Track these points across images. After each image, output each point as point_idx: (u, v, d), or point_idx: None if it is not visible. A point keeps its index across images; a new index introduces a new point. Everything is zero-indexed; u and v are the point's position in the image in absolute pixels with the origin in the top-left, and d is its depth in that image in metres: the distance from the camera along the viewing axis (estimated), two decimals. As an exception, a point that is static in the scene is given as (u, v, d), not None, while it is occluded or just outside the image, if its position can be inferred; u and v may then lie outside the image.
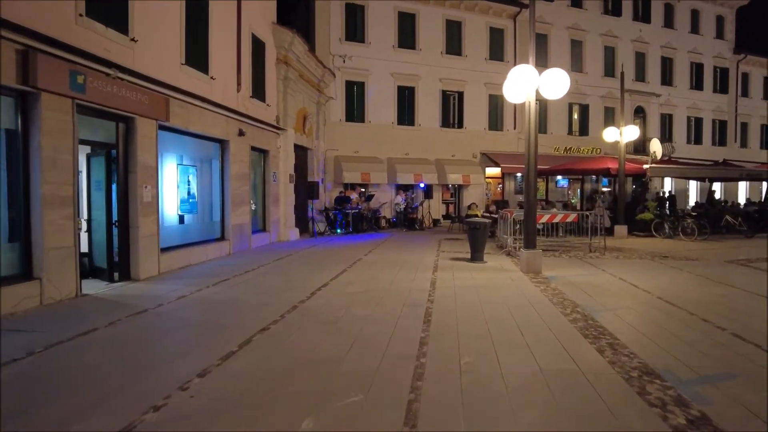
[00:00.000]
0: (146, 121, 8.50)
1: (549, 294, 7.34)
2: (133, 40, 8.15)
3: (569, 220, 12.74)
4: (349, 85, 20.63)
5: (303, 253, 12.02)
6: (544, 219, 12.68)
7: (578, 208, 24.30)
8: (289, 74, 14.88)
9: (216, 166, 11.56)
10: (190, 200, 10.42)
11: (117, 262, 8.19)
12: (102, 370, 4.16)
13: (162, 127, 9.11)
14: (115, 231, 8.13)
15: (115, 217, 8.14)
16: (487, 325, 5.56)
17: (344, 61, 20.21)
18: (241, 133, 12.03)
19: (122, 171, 8.21)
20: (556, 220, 12.76)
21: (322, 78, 18.34)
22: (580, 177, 26.72)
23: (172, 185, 9.90)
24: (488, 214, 15.87)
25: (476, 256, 10.54)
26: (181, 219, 10.38)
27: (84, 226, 8.48)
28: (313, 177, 18.17)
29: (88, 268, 8.48)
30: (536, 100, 9.42)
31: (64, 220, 6.74)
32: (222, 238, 11.57)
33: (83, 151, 8.61)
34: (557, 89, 9.28)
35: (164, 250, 9.21)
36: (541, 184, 26.17)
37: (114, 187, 8.14)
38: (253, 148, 13.07)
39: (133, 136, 8.29)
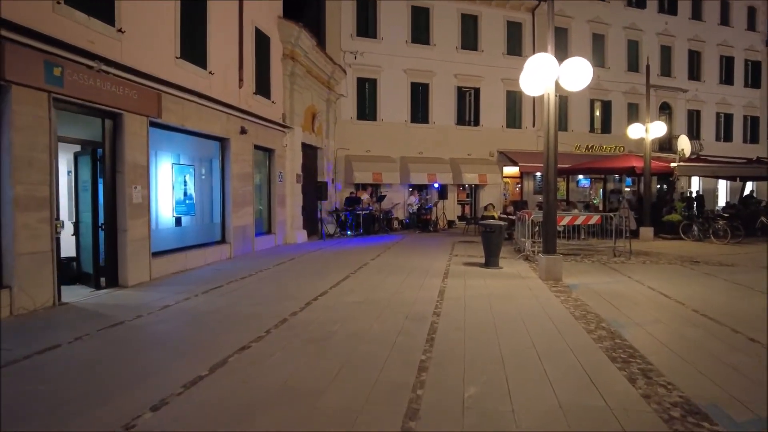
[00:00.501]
0: (135, 117, 7.98)
1: (570, 306, 6.59)
2: (120, 31, 7.63)
3: (592, 222, 11.90)
4: (361, 82, 20.00)
5: (308, 256, 11.42)
6: (565, 221, 11.87)
7: (600, 208, 23.37)
8: (296, 70, 14.32)
9: (216, 165, 11.04)
10: (187, 201, 9.90)
11: (104, 268, 7.69)
12: (40, 400, 3.58)
13: (154, 124, 8.60)
14: (101, 234, 7.63)
15: (101, 220, 7.64)
16: (499, 345, 4.85)
17: (355, 58, 19.59)
18: (243, 131, 11.50)
19: (109, 171, 7.70)
20: (578, 222, 11.93)
21: (332, 75, 17.75)
22: (603, 176, 25.70)
23: (167, 186, 9.39)
24: (505, 216, 15.08)
25: (491, 261, 9.81)
26: (178, 221, 9.87)
27: (70, 228, 8.02)
28: (322, 177, 17.60)
29: (75, 274, 8.02)
30: (556, 93, 8.67)
31: (40, 223, 6.23)
32: (222, 240, 11.05)
33: (71, 150, 8.17)
34: (578, 80, 8.52)
35: (157, 254, 8.69)
36: (562, 184, 25.18)
37: (101, 187, 7.64)
38: (257, 147, 12.53)
39: (120, 134, 7.77)
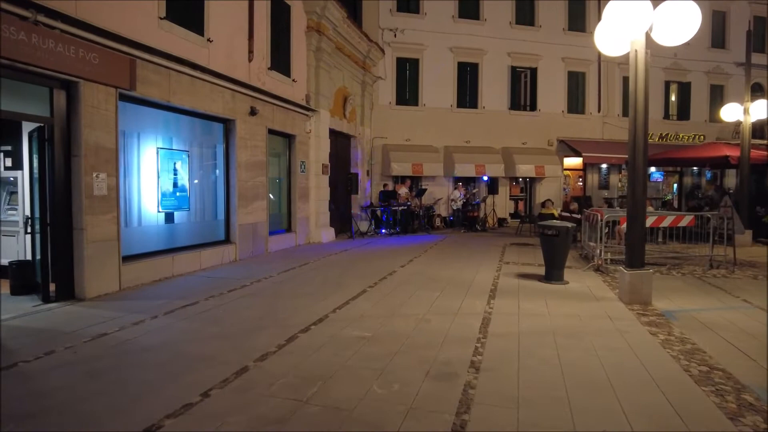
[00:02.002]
0: (97, 87, 6.34)
1: (678, 352, 4.36)
2: (73, -24, 5.99)
3: (683, 223, 9.34)
4: (401, 62, 17.93)
5: (326, 261, 9.57)
6: (649, 222, 9.40)
7: (675, 205, 20.29)
8: (323, 45, 12.47)
9: (220, 151, 9.37)
10: (178, 194, 8.26)
11: (57, 275, 6.11)
12: None
13: (128, 98, 6.97)
14: (50, 234, 6.05)
15: (50, 216, 6.06)
16: (581, 449, 2.75)
17: (395, 36, 17.55)
18: (253, 112, 9.76)
19: (61, 154, 6.09)
20: (665, 224, 9.43)
21: (367, 54, 15.80)
22: (678, 169, 22.46)
23: (151, 175, 7.77)
24: (568, 215, 12.64)
25: (553, 273, 7.59)
26: (170, 217, 8.27)
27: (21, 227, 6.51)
28: (356, 168, 15.74)
29: (32, 281, 6.51)
30: (647, 49, 6.35)
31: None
32: (227, 240, 9.37)
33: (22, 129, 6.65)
34: (681, 30, 6.14)
35: (131, 258, 7.09)
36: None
37: (49, 175, 6.05)
38: (273, 132, 10.79)
39: (76, 108, 6.15)
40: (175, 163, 8.17)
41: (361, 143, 16.21)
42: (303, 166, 12.09)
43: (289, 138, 11.69)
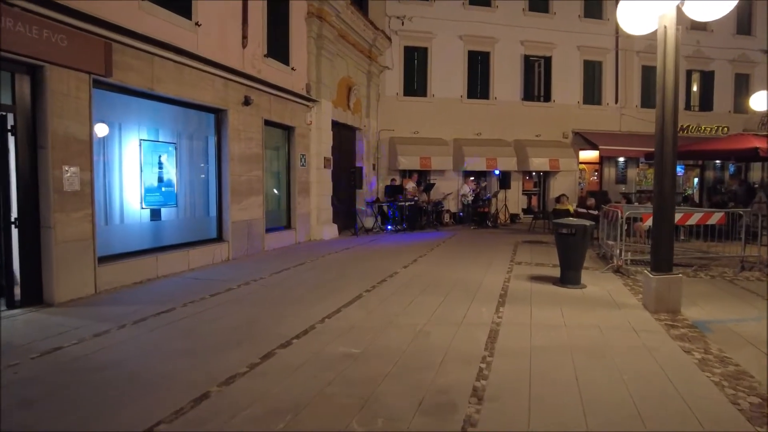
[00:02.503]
0: (67, 73, 5.78)
1: (718, 375, 3.69)
2: (36, -52, 5.42)
3: (712, 221, 8.57)
4: (409, 51, 17.21)
5: (324, 260, 8.98)
6: (651, 222, 8.66)
7: (696, 201, 19.39)
8: (324, 32, 11.83)
9: (212, 143, 8.80)
10: (164, 189, 7.72)
11: (23, 278, 5.59)
12: None
13: (104, 85, 6.41)
14: (15, 233, 5.53)
15: (15, 214, 5.53)
16: None
17: (403, 24, 16.81)
18: (247, 102, 9.18)
19: (25, 146, 5.56)
20: (692, 221, 8.66)
21: (373, 42, 15.11)
22: (699, 163, 21.49)
23: (133, 169, 7.22)
24: (584, 211, 11.89)
25: (569, 276, 6.91)
26: (157, 214, 7.73)
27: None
28: (361, 162, 15.11)
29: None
30: (677, 26, 5.62)
31: None
32: (219, 238, 8.82)
33: None
34: (716, 4, 5.42)
35: (109, 258, 6.55)
36: (649, 171, 21.31)
37: (13, 169, 5.52)
38: (270, 123, 10.20)
39: (41, 95, 5.60)
40: (160, 156, 7.62)
41: (367, 136, 15.56)
42: (303, 160, 11.49)
43: (288, 130, 11.09)
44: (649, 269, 5.92)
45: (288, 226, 11.21)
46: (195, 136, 8.59)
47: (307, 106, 11.53)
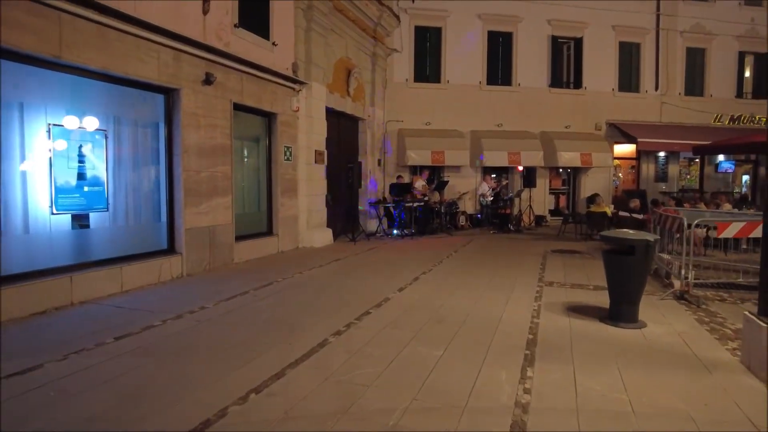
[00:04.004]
0: None
1: None
2: None
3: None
4: (420, 32, 15.25)
5: (300, 279, 7.14)
6: (730, 232, 6.59)
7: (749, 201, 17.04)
8: (315, 2, 9.98)
9: (162, 131, 7.05)
10: (86, 189, 5.97)
11: None
12: None
13: (-21, 47, 4.70)
14: None
15: None
16: None
17: (413, 1, 14.89)
18: (208, 80, 7.40)
19: None
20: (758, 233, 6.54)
21: (379, 21, 13.21)
22: (752, 158, 19.08)
23: (41, 163, 5.50)
24: (627, 215, 9.81)
25: (622, 311, 4.93)
26: (82, 220, 6.02)
27: None
28: (364, 157, 13.26)
29: None
30: None
31: None
32: (170, 250, 7.07)
33: None
34: None
35: (5, 280, 4.83)
36: (693, 169, 19.02)
37: None
38: (242, 107, 8.42)
39: None
40: (81, 147, 5.88)
41: (372, 127, 13.68)
42: (289, 153, 9.68)
43: (268, 117, 9.28)
44: (750, 311, 3.93)
45: (269, 232, 9.42)
46: (139, 123, 6.84)
47: (293, 89, 9.70)
